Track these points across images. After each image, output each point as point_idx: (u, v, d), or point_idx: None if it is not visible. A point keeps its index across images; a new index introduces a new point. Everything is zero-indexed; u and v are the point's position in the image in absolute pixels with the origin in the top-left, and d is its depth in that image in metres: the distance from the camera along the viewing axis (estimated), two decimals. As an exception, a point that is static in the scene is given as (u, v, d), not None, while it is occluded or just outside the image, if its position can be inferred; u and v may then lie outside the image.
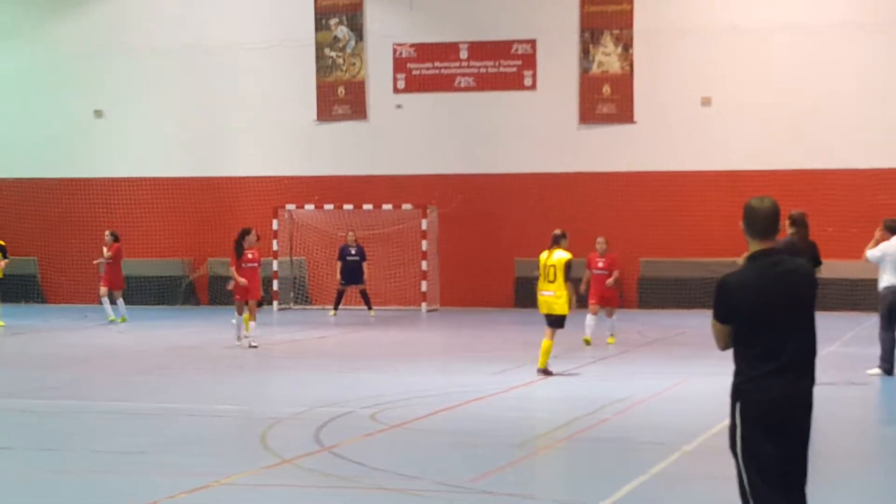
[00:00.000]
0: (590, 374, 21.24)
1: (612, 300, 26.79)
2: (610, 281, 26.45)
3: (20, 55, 41.25)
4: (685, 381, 20.27)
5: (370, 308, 35.40)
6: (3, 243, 32.16)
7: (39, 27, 41.19)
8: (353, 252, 35.24)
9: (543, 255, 20.91)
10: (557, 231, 21.15)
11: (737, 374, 7.82)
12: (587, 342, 25.78)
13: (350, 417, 16.25)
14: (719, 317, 7.88)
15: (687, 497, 11.91)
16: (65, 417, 16.72)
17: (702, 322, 32.27)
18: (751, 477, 7.75)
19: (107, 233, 33.12)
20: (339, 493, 11.88)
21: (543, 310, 20.92)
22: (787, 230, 18.91)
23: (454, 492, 11.68)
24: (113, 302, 32.33)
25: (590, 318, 26.08)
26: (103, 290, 32.36)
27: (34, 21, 41.21)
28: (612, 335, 26.64)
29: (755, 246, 7.88)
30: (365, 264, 35.37)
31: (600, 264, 26.56)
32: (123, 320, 32.17)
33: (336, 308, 35.30)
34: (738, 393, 7.78)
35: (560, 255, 20.72)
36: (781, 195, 31.63)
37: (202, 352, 25.61)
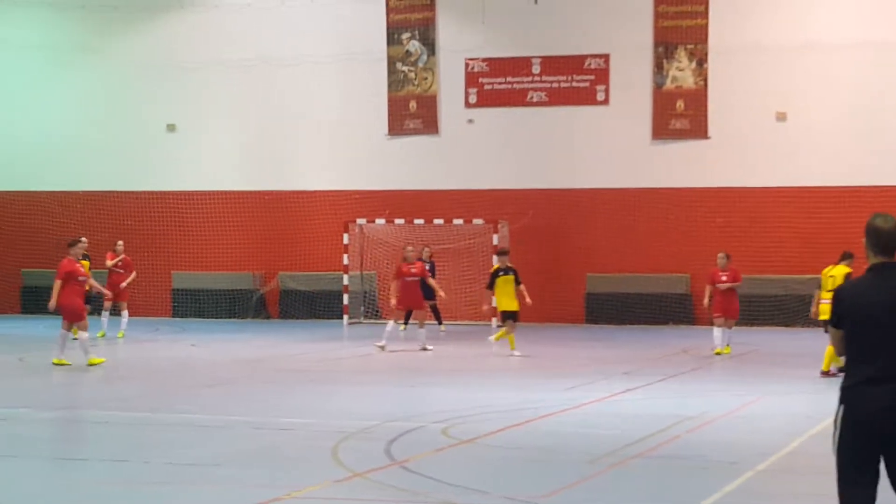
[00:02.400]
0: (662, 391, 21.13)
1: (732, 312, 27.87)
2: (722, 286, 27.74)
3: (94, 70, 41.68)
4: (758, 399, 20.09)
5: (440, 322, 35.37)
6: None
7: (113, 42, 41.59)
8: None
9: (827, 269, 23.74)
10: (847, 251, 23.87)
11: (844, 378, 8.00)
12: (718, 353, 27.51)
13: (421, 432, 16.24)
14: (832, 321, 8.12)
15: (760, 516, 11.79)
16: (138, 429, 16.81)
17: (774, 339, 32.02)
18: (840, 478, 7.85)
19: (119, 243, 33.14)
20: (409, 508, 11.88)
21: (824, 317, 22.74)
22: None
23: (525, 508, 11.65)
24: (118, 313, 32.32)
25: (717, 331, 27.63)
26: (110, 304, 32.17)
27: (108, 36, 41.62)
28: (727, 346, 27.86)
29: (874, 260, 8.01)
30: (435, 279, 35.31)
31: (723, 278, 27.87)
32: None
33: (406, 323, 35.28)
34: (842, 396, 7.94)
35: (841, 270, 23.39)
36: (856, 211, 31.55)
37: (272, 365, 25.72)
